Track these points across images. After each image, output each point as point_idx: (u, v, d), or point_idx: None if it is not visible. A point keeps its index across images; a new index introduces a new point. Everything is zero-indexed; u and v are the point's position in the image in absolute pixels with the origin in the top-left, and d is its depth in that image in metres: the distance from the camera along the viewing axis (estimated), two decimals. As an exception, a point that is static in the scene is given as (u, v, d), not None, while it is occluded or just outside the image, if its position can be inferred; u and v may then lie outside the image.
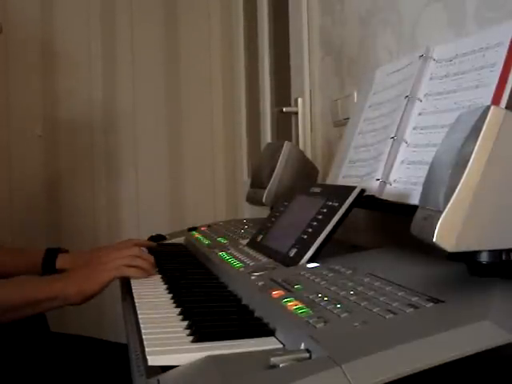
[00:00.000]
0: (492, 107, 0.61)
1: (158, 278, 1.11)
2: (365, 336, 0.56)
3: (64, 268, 1.38)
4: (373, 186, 0.98)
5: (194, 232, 1.57)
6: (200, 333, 0.69)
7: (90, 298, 1.14)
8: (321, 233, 0.92)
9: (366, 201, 0.98)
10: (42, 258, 1.40)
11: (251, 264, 1.00)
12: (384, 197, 0.97)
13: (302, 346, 0.57)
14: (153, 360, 0.63)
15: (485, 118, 0.60)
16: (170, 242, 1.58)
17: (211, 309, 0.82)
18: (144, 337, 0.71)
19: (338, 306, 0.65)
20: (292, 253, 0.95)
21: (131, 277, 1.12)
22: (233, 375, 0.55)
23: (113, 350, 1.34)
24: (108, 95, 2.56)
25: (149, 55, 2.59)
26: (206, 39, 2.65)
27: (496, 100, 0.80)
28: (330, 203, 0.96)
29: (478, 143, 0.59)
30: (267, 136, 2.23)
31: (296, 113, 1.81)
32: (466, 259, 0.65)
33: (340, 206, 0.93)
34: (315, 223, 0.96)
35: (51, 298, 1.13)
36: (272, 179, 1.38)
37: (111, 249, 1.37)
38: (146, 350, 0.66)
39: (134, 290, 1.01)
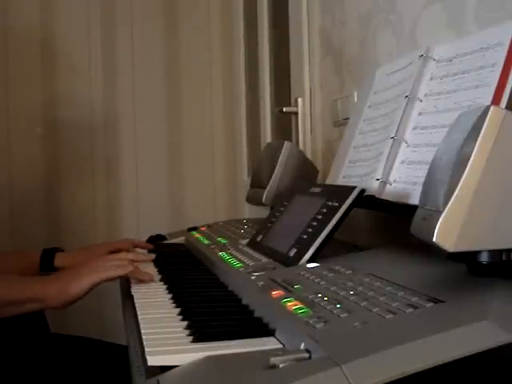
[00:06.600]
0: (492, 107, 0.61)
1: (158, 278, 1.11)
2: (365, 336, 0.56)
3: (63, 266, 1.38)
4: (373, 185, 0.98)
5: (193, 232, 1.57)
6: (200, 333, 0.69)
7: (71, 303, 1.09)
8: (321, 233, 0.92)
9: (366, 201, 0.98)
10: (39, 257, 1.40)
11: (251, 264, 1.00)
12: (384, 197, 0.97)
13: (302, 346, 0.57)
14: (152, 360, 0.63)
15: (485, 117, 0.60)
16: (170, 242, 1.58)
17: (211, 309, 0.82)
18: (144, 337, 0.71)
19: (338, 306, 0.65)
20: (292, 253, 0.95)
21: (115, 277, 1.09)
22: (233, 375, 0.55)
23: (113, 351, 1.34)
24: (108, 95, 2.56)
25: (149, 55, 2.59)
26: (206, 39, 2.65)
27: (496, 100, 0.80)
28: (330, 203, 0.96)
29: (477, 143, 0.59)
30: (267, 136, 2.23)
31: (296, 113, 1.81)
32: (466, 259, 0.65)
33: (340, 206, 0.93)
34: (315, 223, 0.95)
35: (30, 300, 1.09)
36: (272, 179, 1.38)
37: (103, 248, 1.39)
38: (146, 350, 0.65)
39: (133, 290, 1.01)
